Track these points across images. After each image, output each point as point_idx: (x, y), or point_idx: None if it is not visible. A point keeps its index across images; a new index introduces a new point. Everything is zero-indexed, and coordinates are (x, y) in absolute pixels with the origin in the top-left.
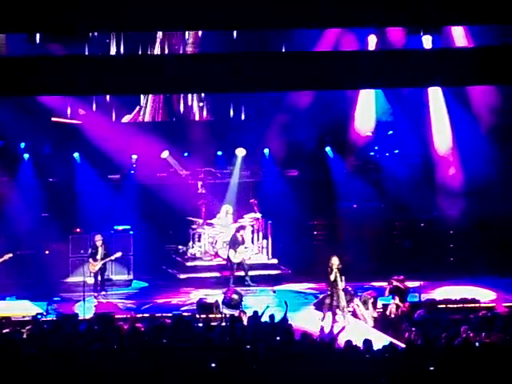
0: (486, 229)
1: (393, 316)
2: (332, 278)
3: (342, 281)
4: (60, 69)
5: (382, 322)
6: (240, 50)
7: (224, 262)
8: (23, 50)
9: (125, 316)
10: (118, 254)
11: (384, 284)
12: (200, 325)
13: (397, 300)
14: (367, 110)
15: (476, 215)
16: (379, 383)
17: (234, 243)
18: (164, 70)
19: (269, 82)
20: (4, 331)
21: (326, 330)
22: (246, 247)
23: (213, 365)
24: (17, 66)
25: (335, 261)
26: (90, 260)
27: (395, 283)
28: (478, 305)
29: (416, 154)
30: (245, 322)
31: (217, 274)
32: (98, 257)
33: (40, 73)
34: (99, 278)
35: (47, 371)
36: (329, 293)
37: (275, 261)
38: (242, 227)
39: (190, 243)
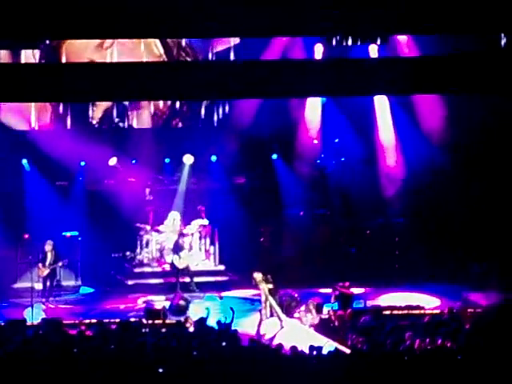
0: (430, 236)
1: (336, 323)
2: (262, 289)
3: (270, 292)
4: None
5: (326, 328)
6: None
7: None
8: None
9: (72, 322)
10: (65, 262)
11: (330, 290)
12: (147, 330)
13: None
14: (313, 117)
15: (420, 223)
16: None
17: (177, 249)
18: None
19: (215, 89)
20: None
21: (262, 334)
22: (190, 253)
23: (160, 370)
24: None
25: (257, 276)
26: (39, 265)
27: (340, 290)
28: (422, 311)
29: (362, 161)
30: (191, 329)
31: (164, 281)
32: (47, 262)
33: None
34: (48, 283)
35: None
36: (262, 301)
37: (222, 267)
38: (183, 234)
39: (138, 249)
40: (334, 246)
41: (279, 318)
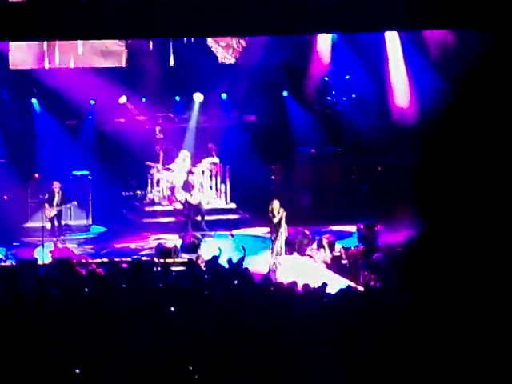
0: (441, 174)
1: (348, 260)
2: (276, 220)
3: (284, 226)
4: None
5: (339, 266)
6: None
7: (182, 207)
8: None
9: (83, 261)
10: (74, 203)
11: (341, 228)
12: (158, 269)
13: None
14: (324, 54)
15: (432, 160)
16: (338, 327)
17: (188, 187)
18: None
19: (223, 26)
20: None
21: (274, 271)
22: (201, 191)
23: (172, 308)
24: None
25: (276, 204)
26: (46, 205)
27: (363, 231)
28: None
29: (373, 98)
30: (202, 266)
31: (175, 219)
32: (54, 203)
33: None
34: (56, 223)
35: (6, 317)
36: (273, 238)
37: (233, 205)
38: (191, 172)
39: (149, 188)
40: (345, 183)
41: (275, 253)
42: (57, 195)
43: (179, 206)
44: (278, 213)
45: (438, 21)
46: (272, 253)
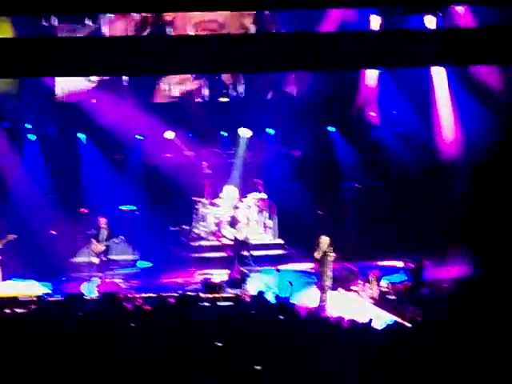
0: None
1: (394, 296)
2: (319, 255)
3: (330, 260)
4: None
5: (385, 301)
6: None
7: (229, 242)
8: (30, 32)
9: (129, 296)
10: (121, 238)
11: (388, 263)
12: (205, 304)
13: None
14: (370, 89)
15: (479, 196)
16: (385, 362)
17: (234, 222)
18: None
19: (270, 63)
20: (8, 311)
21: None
22: (247, 226)
23: (219, 344)
24: (27, 47)
25: (325, 240)
26: (93, 241)
27: (408, 267)
28: None
29: (419, 133)
30: (249, 301)
31: (221, 254)
32: (101, 238)
33: (50, 54)
34: (103, 258)
35: (52, 350)
36: (320, 274)
37: (280, 241)
38: (237, 207)
39: (195, 223)
40: (391, 219)
41: (324, 290)
42: (104, 231)
43: (226, 241)
44: (324, 248)
45: (481, 57)
46: (320, 288)
